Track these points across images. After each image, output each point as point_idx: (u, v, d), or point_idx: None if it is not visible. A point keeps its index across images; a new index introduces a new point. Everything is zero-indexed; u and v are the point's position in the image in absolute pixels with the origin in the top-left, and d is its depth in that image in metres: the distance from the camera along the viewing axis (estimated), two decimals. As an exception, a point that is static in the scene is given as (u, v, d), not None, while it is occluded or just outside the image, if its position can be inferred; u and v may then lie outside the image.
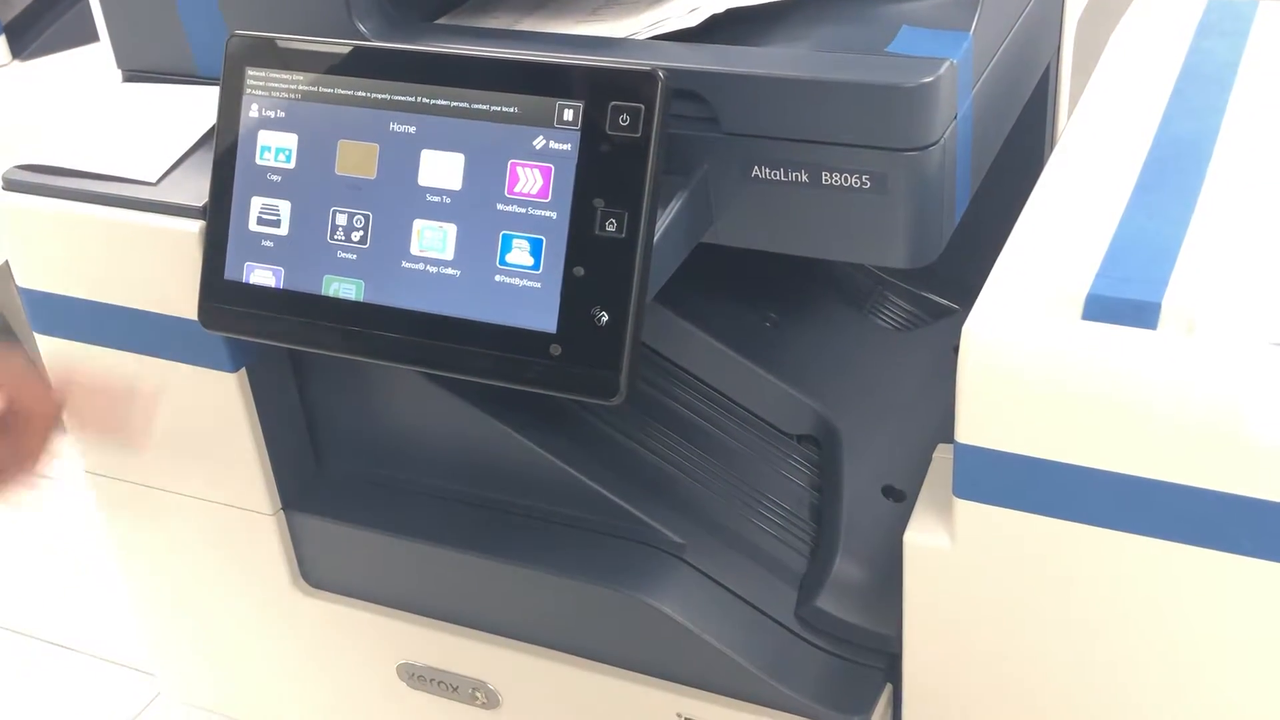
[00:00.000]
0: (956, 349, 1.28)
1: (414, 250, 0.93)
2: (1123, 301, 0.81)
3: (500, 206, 0.90)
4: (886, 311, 1.39)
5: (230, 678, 1.33)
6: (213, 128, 1.01)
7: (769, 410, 1.21)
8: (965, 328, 0.83)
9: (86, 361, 1.04)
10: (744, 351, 1.22)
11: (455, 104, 0.92)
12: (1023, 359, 0.81)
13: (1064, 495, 0.84)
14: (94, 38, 1.17)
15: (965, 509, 0.87)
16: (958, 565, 0.90)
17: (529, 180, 0.89)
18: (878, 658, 1.04)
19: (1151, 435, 0.80)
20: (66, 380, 0.93)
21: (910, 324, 1.38)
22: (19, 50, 2.21)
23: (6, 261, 1.14)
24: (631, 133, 0.87)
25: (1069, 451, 0.82)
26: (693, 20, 0.99)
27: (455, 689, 1.18)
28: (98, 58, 1.18)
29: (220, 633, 1.29)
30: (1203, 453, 0.79)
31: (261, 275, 0.98)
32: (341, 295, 0.95)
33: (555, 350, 0.89)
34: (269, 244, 0.97)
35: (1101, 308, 0.81)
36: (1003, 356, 0.82)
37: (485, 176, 0.91)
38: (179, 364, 1.09)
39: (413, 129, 0.93)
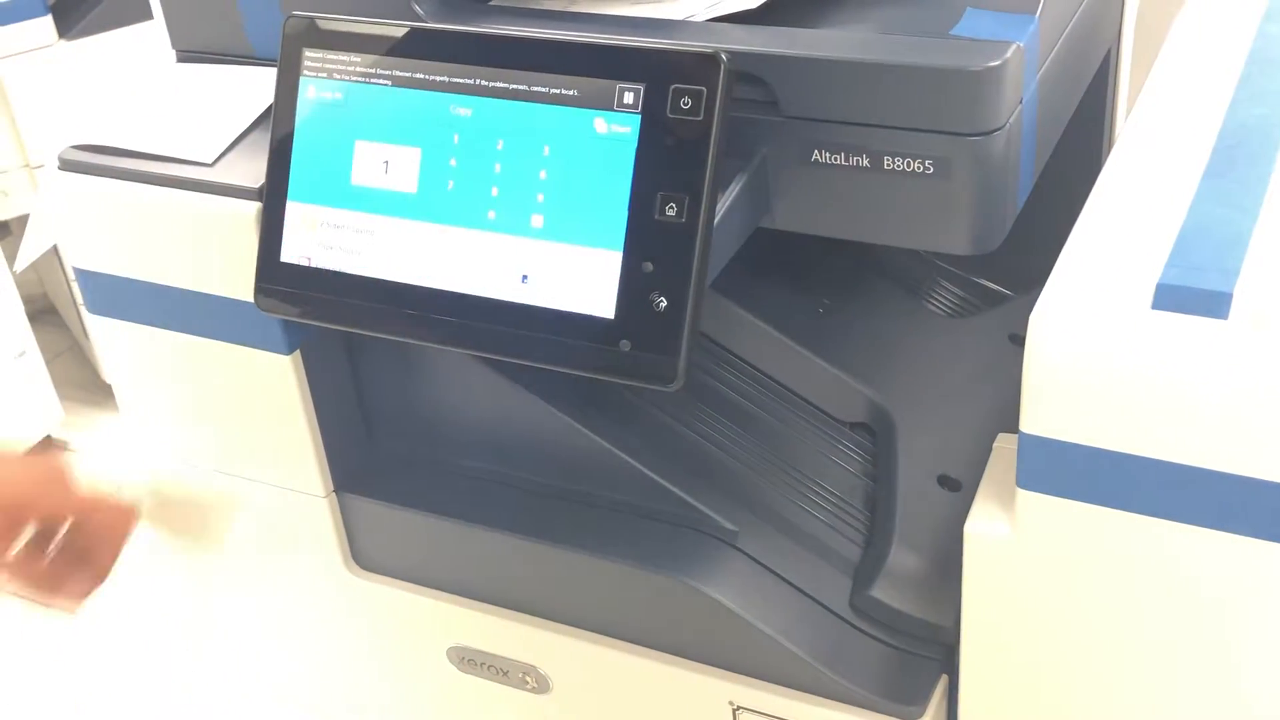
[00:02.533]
0: (1013, 337, 1.29)
1: (471, 233, 0.92)
2: (1193, 291, 0.79)
3: (558, 190, 0.90)
4: (939, 298, 1.37)
5: (281, 660, 1.34)
6: (269, 109, 1.01)
7: (822, 397, 1.20)
8: (1032, 316, 0.81)
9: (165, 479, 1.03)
10: (796, 337, 1.21)
11: (514, 86, 0.91)
12: (1090, 349, 0.80)
13: (1129, 487, 0.82)
14: (140, 18, 1.17)
15: (1028, 499, 0.86)
16: (1019, 556, 0.89)
17: (589, 163, 0.89)
18: (933, 648, 1.03)
19: (1221, 427, 0.78)
20: (143, 493, 0.94)
21: (964, 311, 1.37)
22: (65, 30, 2.23)
23: (55, 245, 1.14)
24: (693, 116, 0.86)
25: (1136, 443, 0.81)
26: (752, 1, 0.98)
27: (506, 673, 1.17)
28: (144, 37, 1.19)
29: (271, 615, 1.29)
30: (1274, 446, 0.77)
31: (317, 257, 0.97)
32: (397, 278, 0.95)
33: (613, 336, 0.88)
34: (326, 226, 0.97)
35: (1171, 297, 0.80)
36: (1070, 346, 0.80)
37: (544, 159, 0.90)
38: (233, 345, 1.09)
39: (470, 111, 0.92)
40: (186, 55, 1.15)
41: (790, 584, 1.06)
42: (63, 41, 2.22)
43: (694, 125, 0.86)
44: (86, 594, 0.88)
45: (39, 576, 0.86)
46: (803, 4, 0.97)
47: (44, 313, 2.66)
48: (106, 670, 1.89)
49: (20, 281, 2.26)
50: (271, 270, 0.99)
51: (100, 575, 0.89)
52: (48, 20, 2.19)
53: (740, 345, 1.21)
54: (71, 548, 0.87)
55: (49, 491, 0.86)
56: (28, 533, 0.85)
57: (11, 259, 2.23)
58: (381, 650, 1.25)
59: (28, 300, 2.32)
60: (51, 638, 1.96)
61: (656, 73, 0.87)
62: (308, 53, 0.97)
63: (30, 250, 2.23)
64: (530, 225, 0.91)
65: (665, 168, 0.87)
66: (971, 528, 0.90)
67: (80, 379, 2.53)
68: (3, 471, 0.86)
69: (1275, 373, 0.76)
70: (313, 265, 0.98)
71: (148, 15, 1.16)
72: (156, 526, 0.96)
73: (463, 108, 0.93)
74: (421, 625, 1.20)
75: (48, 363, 2.33)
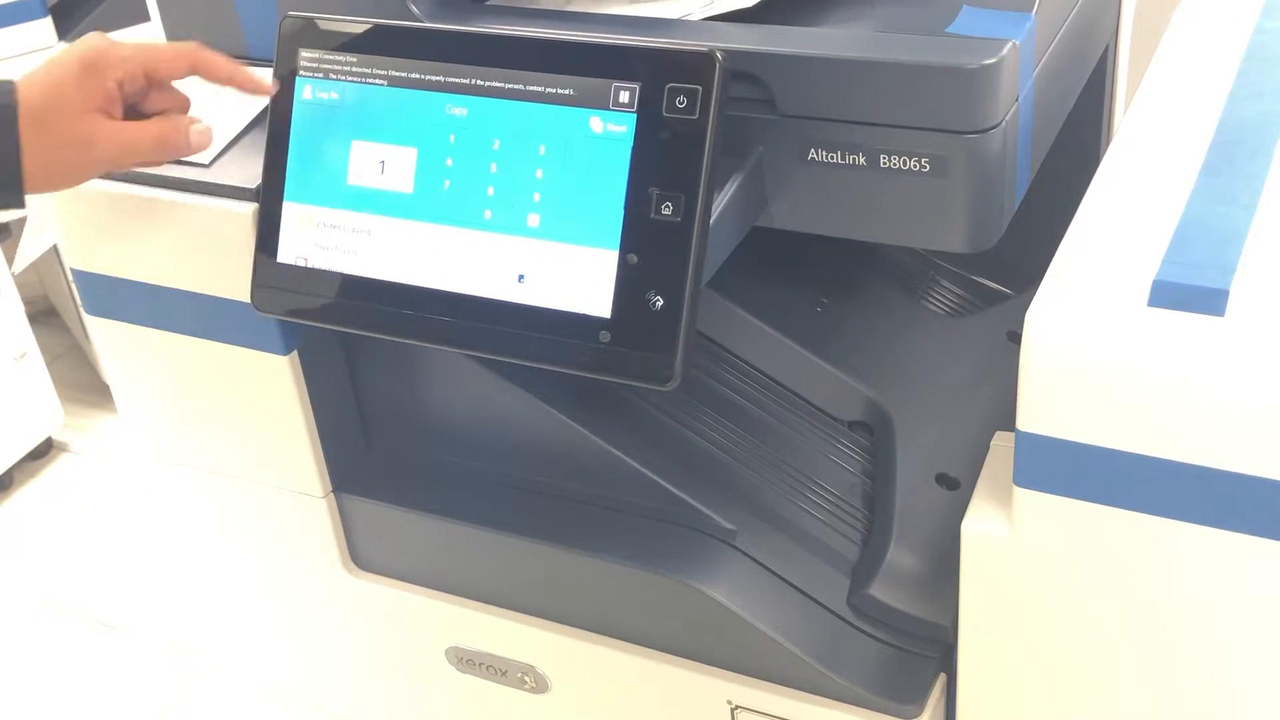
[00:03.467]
0: (1011, 335, 1.29)
1: (467, 233, 0.92)
2: (1190, 288, 0.79)
3: (554, 189, 0.89)
4: (938, 296, 1.37)
5: (279, 659, 1.34)
6: (265, 109, 1.01)
7: (820, 396, 1.20)
8: (1029, 314, 0.81)
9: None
10: (794, 336, 1.21)
11: (509, 86, 0.91)
12: (1087, 346, 0.80)
13: (1127, 485, 0.82)
14: (138, 19, 1.17)
15: (1026, 498, 0.86)
16: (1017, 554, 0.88)
17: (585, 162, 0.89)
18: (931, 647, 1.03)
19: (1218, 424, 0.78)
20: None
21: (962, 309, 1.37)
22: (65, 31, 2.23)
23: (54, 246, 1.14)
24: (689, 115, 0.86)
25: (1133, 440, 0.81)
26: (748, 0, 0.98)
27: (504, 673, 1.17)
28: (143, 38, 1.19)
29: (270, 614, 1.29)
30: (1272, 443, 0.77)
31: (314, 258, 0.97)
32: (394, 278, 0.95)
33: (609, 335, 0.88)
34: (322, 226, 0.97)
35: (1168, 294, 0.80)
36: (1067, 343, 0.80)
37: (539, 159, 0.90)
38: (231, 346, 1.09)
39: (466, 111, 0.92)
40: (183, 56, 1.15)
41: (788, 583, 1.06)
42: (62, 43, 2.22)
43: (690, 124, 0.86)
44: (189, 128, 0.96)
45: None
46: (799, 2, 0.97)
47: (44, 314, 2.66)
48: (107, 671, 1.89)
49: (21, 283, 2.26)
50: (268, 271, 0.99)
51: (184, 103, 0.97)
52: (47, 22, 2.19)
53: (738, 344, 1.21)
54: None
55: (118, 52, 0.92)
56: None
57: (11, 260, 2.23)
58: (380, 650, 1.25)
59: (28, 302, 2.32)
60: (53, 639, 1.96)
61: (652, 72, 0.87)
62: (304, 53, 0.97)
63: (29, 251, 2.23)
64: (526, 225, 0.91)
65: (661, 167, 0.87)
66: (969, 526, 0.90)
67: (81, 380, 2.53)
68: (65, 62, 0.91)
69: (1272, 369, 0.76)
70: (309, 266, 0.98)
71: (146, 17, 1.15)
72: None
73: (458, 107, 0.93)
74: (420, 625, 1.20)
75: (48, 364, 2.34)
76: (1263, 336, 0.77)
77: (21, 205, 0.90)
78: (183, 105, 0.97)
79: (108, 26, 2.21)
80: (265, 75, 0.96)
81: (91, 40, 0.92)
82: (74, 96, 0.89)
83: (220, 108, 1.07)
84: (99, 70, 0.91)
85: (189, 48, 0.95)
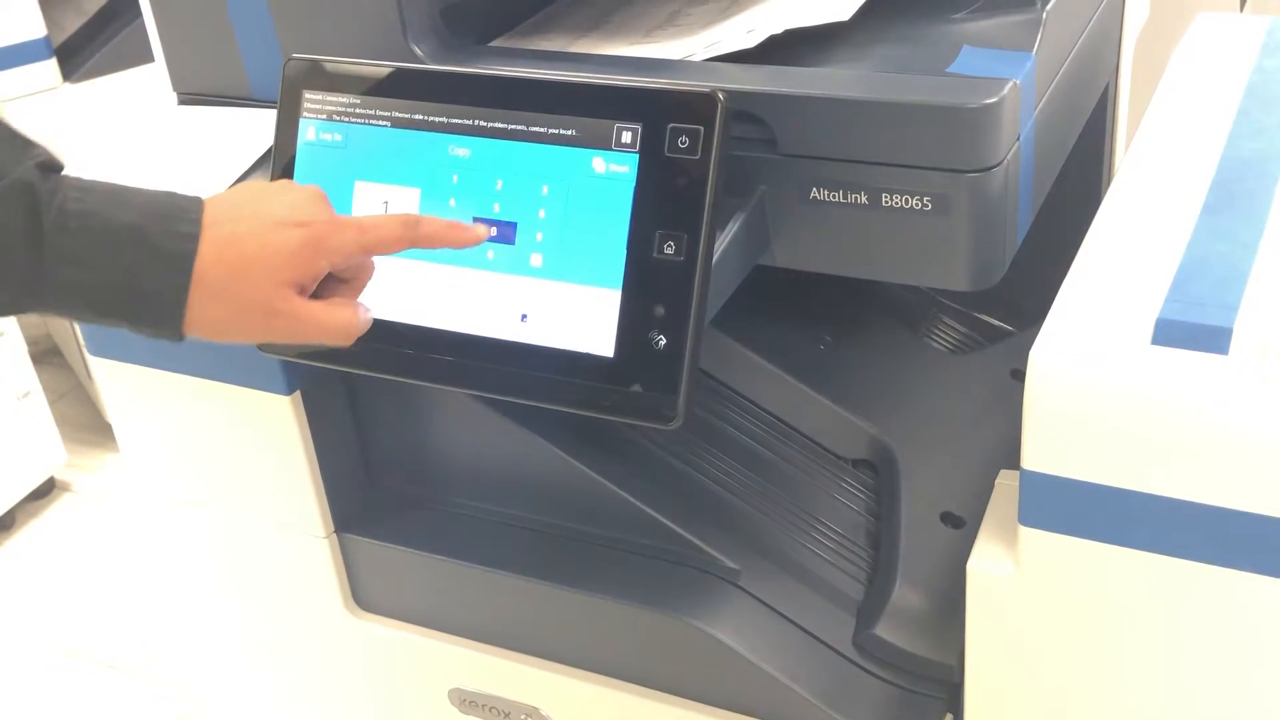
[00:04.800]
0: (1014, 372, 1.28)
1: (470, 273, 0.92)
2: (1193, 326, 0.79)
3: (557, 229, 0.90)
4: (941, 333, 1.37)
5: (280, 700, 1.33)
6: (269, 150, 1.01)
7: (824, 434, 1.20)
8: (1032, 353, 0.81)
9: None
10: (798, 374, 1.21)
11: (512, 126, 0.91)
12: (1091, 385, 0.80)
13: (1133, 524, 0.82)
14: (144, 60, 1.17)
15: (1031, 537, 0.86)
16: (1022, 594, 0.88)
17: (588, 202, 0.89)
18: (938, 687, 1.02)
19: (1223, 463, 0.78)
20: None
21: (965, 346, 1.36)
22: (70, 73, 2.25)
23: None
24: (690, 155, 0.86)
25: (1138, 479, 0.80)
26: (750, 41, 0.98)
27: (507, 715, 1.17)
28: (148, 80, 1.19)
29: (272, 655, 1.28)
30: (1276, 481, 0.77)
31: (317, 298, 0.97)
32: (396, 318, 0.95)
33: (613, 374, 0.88)
34: (325, 267, 0.97)
35: (1172, 333, 0.80)
36: (1071, 382, 0.80)
37: (542, 199, 0.90)
38: (233, 386, 1.09)
39: (469, 151, 0.93)
40: (188, 98, 1.15)
41: (793, 623, 1.05)
42: (67, 84, 2.24)
43: (692, 164, 0.86)
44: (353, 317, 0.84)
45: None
46: (800, 43, 0.98)
47: (48, 354, 2.67)
48: (109, 712, 1.88)
49: (24, 323, 2.27)
50: (271, 311, 0.99)
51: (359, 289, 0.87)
52: (52, 63, 2.21)
53: (741, 382, 1.21)
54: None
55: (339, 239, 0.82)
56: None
57: (15, 300, 2.24)
58: (382, 691, 1.24)
59: (31, 341, 2.33)
60: (55, 679, 1.95)
61: (654, 112, 0.87)
62: (307, 94, 0.97)
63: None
64: (529, 264, 0.91)
65: (663, 206, 0.87)
66: (974, 565, 0.89)
67: (83, 420, 2.53)
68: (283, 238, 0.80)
69: (1277, 407, 0.76)
70: (312, 306, 0.97)
71: (151, 58, 1.16)
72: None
73: (461, 148, 0.93)
74: (422, 666, 1.19)
75: (51, 403, 2.34)
76: (1267, 374, 0.77)
77: (179, 340, 0.81)
78: (369, 273, 0.86)
79: (113, 68, 2.24)
80: (478, 226, 0.87)
81: (315, 208, 0.82)
82: (278, 269, 0.79)
83: (224, 148, 1.08)
84: (318, 253, 0.80)
85: (407, 227, 0.84)
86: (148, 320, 0.79)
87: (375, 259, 0.86)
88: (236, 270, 0.79)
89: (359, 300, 0.85)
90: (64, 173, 0.79)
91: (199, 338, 0.81)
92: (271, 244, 0.79)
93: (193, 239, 0.78)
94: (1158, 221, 0.90)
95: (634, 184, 0.88)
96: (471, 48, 1.05)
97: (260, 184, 0.86)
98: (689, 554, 1.07)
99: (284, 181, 0.87)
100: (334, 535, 1.16)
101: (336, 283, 0.84)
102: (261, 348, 0.98)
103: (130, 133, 1.15)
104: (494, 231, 0.90)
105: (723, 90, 0.86)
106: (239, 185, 0.84)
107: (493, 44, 1.09)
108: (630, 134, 0.88)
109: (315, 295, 0.83)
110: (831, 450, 1.20)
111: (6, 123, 0.79)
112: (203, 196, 0.81)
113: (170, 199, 0.80)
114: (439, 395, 1.10)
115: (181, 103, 1.16)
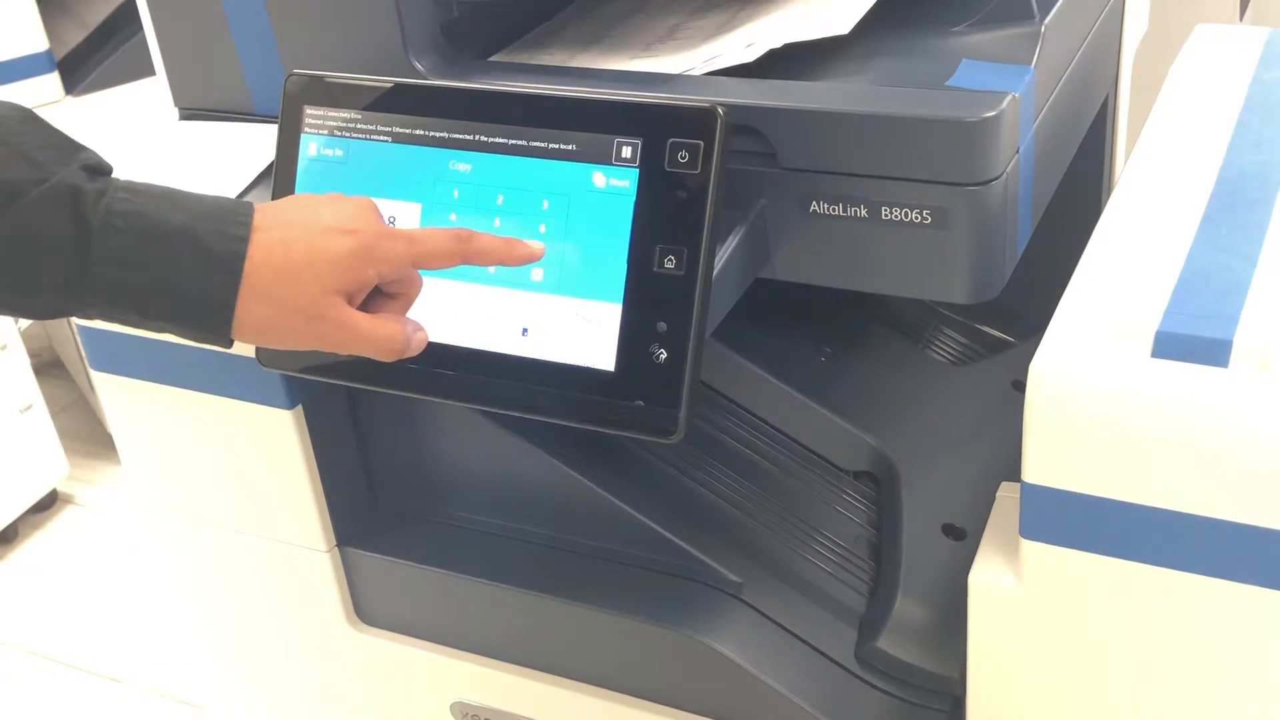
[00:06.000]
0: (1015, 384, 1.28)
1: (471, 288, 0.92)
2: (1193, 339, 0.79)
3: (557, 244, 0.90)
4: (941, 345, 1.37)
5: (283, 714, 1.33)
6: (270, 165, 1.01)
7: (825, 446, 1.20)
8: (1033, 365, 0.81)
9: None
10: (799, 386, 1.21)
11: (512, 141, 0.91)
12: (1091, 397, 0.80)
13: (1134, 536, 0.82)
14: (146, 73, 1.18)
15: (1032, 550, 0.86)
16: (1024, 607, 0.88)
17: (588, 217, 0.89)
18: (940, 700, 1.02)
19: (1224, 475, 0.78)
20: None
21: (966, 358, 1.37)
22: (72, 86, 2.25)
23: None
24: (690, 169, 0.86)
25: (1139, 492, 0.81)
26: (749, 55, 0.98)
27: (509, 728, 1.17)
28: (150, 94, 1.19)
29: (273, 669, 1.28)
30: (1277, 493, 0.77)
31: (319, 313, 0.97)
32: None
33: (614, 388, 0.88)
34: (326, 282, 0.97)
35: (1171, 345, 0.80)
36: (1071, 395, 0.80)
37: (542, 214, 0.90)
38: (235, 401, 1.09)
39: (470, 167, 0.93)
40: (190, 113, 1.16)
41: (795, 636, 1.05)
42: (69, 98, 2.24)
43: (692, 178, 0.86)
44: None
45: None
46: (800, 57, 0.98)
47: (50, 366, 2.67)
48: (111, 726, 1.88)
49: (27, 335, 2.27)
50: (273, 326, 0.99)
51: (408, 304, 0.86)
52: (54, 77, 2.21)
53: (742, 395, 1.21)
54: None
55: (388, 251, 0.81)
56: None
57: (17, 313, 2.24)
58: (385, 706, 1.24)
59: (34, 354, 2.33)
60: (57, 692, 1.95)
61: (654, 127, 0.87)
62: (309, 110, 0.98)
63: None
64: (530, 279, 0.91)
65: (664, 221, 0.87)
66: (976, 579, 0.89)
67: (86, 432, 2.54)
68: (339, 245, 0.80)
69: (1277, 420, 0.76)
70: (314, 320, 0.98)
71: (152, 72, 1.16)
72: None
73: (462, 163, 0.93)
74: (425, 680, 1.19)
75: (53, 416, 2.34)
76: (1266, 387, 0.77)
77: (229, 347, 0.82)
78: (417, 288, 0.86)
79: (115, 82, 2.24)
80: (533, 243, 0.87)
81: (365, 218, 0.82)
82: (326, 275, 0.79)
83: (225, 163, 1.08)
84: (367, 262, 0.80)
85: (459, 241, 0.83)
86: (195, 323, 0.79)
87: None
88: (285, 274, 0.78)
89: (410, 317, 0.84)
90: (113, 175, 0.79)
91: (245, 342, 0.81)
92: (321, 250, 0.79)
93: (242, 241, 0.78)
94: (1157, 233, 0.90)
95: (634, 198, 0.88)
96: (472, 63, 1.06)
97: (310, 195, 0.85)
98: (690, 567, 1.07)
99: (334, 193, 0.86)
100: (336, 549, 1.16)
101: (384, 298, 0.84)
102: (262, 362, 0.98)
103: (132, 147, 1.16)
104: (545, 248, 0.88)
105: (722, 104, 0.86)
106: (289, 196, 0.83)
107: (493, 59, 1.09)
108: (630, 149, 0.88)
109: (362, 309, 0.82)
110: (832, 462, 1.20)
111: (52, 127, 0.79)
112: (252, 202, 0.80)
113: (219, 202, 0.80)
114: (440, 409, 1.10)
115: (183, 118, 1.16)
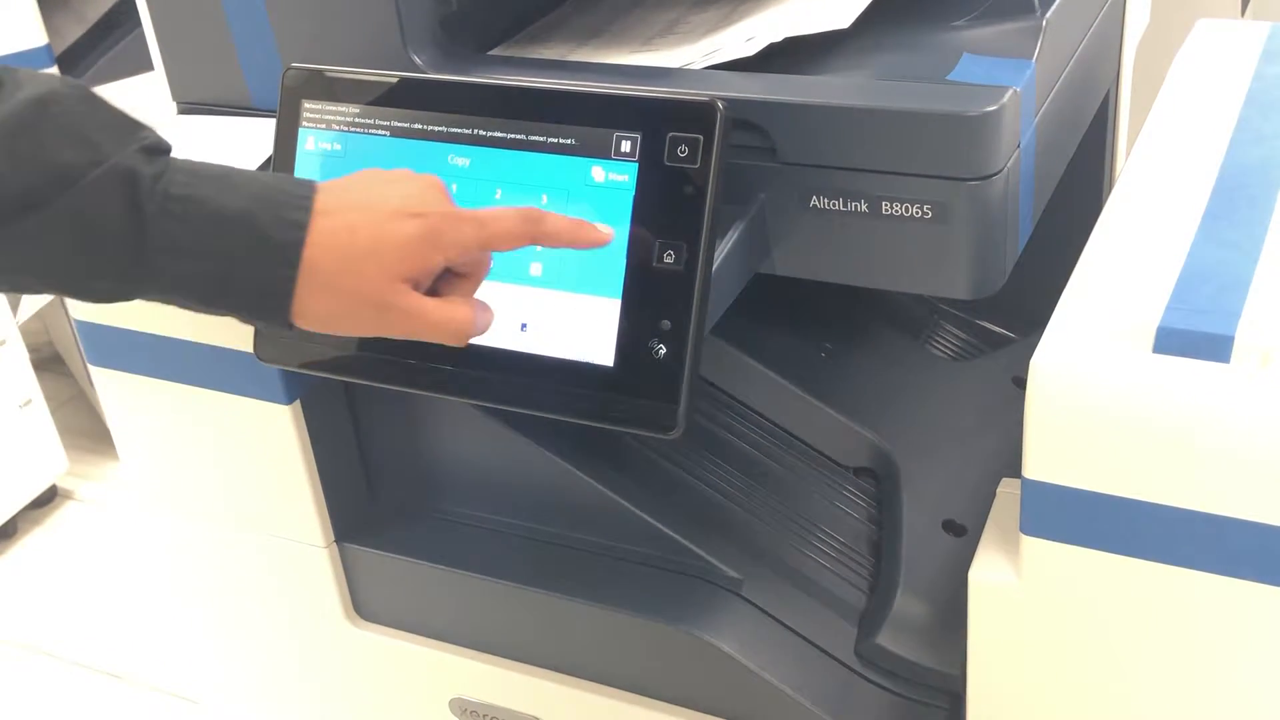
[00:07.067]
0: (1016, 380, 1.28)
1: (470, 282, 0.92)
2: (1195, 334, 0.79)
3: (557, 238, 0.89)
4: (942, 340, 1.37)
5: (281, 710, 1.33)
6: (268, 159, 1.01)
7: (825, 442, 1.20)
8: (1033, 361, 0.81)
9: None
10: (799, 382, 1.20)
11: (511, 136, 0.91)
12: (1092, 393, 0.79)
13: (1135, 532, 0.82)
14: (145, 68, 1.18)
15: (1033, 546, 0.85)
16: (1025, 603, 0.88)
17: (585, 212, 0.89)
18: (940, 696, 1.02)
19: (1226, 471, 0.78)
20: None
21: (967, 353, 1.36)
22: (71, 81, 2.24)
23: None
24: (690, 164, 0.86)
25: (1140, 488, 0.80)
26: (749, 49, 0.98)
27: (508, 724, 1.17)
28: (150, 89, 1.19)
29: (272, 665, 1.28)
30: (1278, 490, 0.77)
31: (317, 308, 0.97)
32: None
33: (613, 384, 0.88)
34: (324, 276, 0.97)
35: (1173, 341, 0.79)
36: (1072, 390, 0.80)
37: (541, 207, 0.90)
38: (233, 396, 1.09)
39: (468, 161, 0.93)
40: (188, 107, 1.15)
41: (795, 632, 1.05)
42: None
43: (691, 173, 0.86)
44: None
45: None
46: (800, 51, 0.98)
47: (49, 361, 2.67)
48: (106, 717, 1.88)
49: (25, 330, 2.27)
50: (271, 321, 0.99)
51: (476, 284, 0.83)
52: (53, 71, 2.21)
53: (742, 390, 1.20)
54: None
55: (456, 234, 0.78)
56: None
57: (16, 308, 2.24)
58: (383, 701, 1.24)
59: (33, 349, 2.33)
60: (56, 688, 1.95)
61: (653, 121, 0.87)
62: (307, 104, 0.97)
63: (34, 299, 2.24)
64: (529, 273, 0.90)
65: (663, 215, 0.87)
66: (976, 575, 0.89)
67: (85, 427, 2.53)
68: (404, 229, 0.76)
69: (1278, 416, 0.76)
70: (312, 315, 0.97)
71: (150, 66, 1.16)
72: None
73: (461, 157, 0.93)
74: (423, 676, 1.19)
75: (52, 411, 2.34)
76: (1268, 382, 0.76)
77: (290, 331, 0.79)
78: (486, 267, 0.82)
79: (114, 76, 2.24)
80: (603, 226, 0.84)
81: (433, 198, 0.79)
82: (392, 263, 0.76)
83: (223, 157, 1.08)
84: (435, 248, 0.77)
85: (530, 223, 0.80)
86: (254, 310, 0.77)
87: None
88: (348, 262, 0.75)
89: (478, 298, 0.82)
90: (173, 154, 0.76)
91: (310, 329, 0.78)
92: (386, 236, 0.76)
93: (302, 227, 0.75)
94: (1159, 229, 0.89)
95: (633, 193, 0.87)
96: (471, 56, 1.05)
97: (377, 172, 0.81)
98: (690, 563, 1.07)
99: (402, 170, 0.82)
100: (334, 545, 1.16)
101: (453, 278, 0.81)
102: (261, 357, 0.98)
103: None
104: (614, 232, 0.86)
105: (722, 98, 0.86)
106: (355, 173, 0.80)
107: (492, 53, 1.09)
108: (629, 143, 0.88)
109: (430, 290, 0.80)
110: (833, 458, 1.20)
111: (112, 106, 0.76)
112: (316, 182, 0.78)
113: (280, 183, 0.77)
114: (439, 404, 1.10)
115: (181, 112, 1.16)
